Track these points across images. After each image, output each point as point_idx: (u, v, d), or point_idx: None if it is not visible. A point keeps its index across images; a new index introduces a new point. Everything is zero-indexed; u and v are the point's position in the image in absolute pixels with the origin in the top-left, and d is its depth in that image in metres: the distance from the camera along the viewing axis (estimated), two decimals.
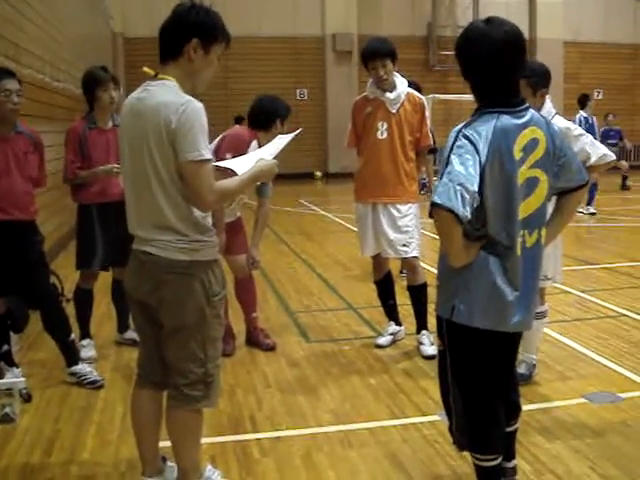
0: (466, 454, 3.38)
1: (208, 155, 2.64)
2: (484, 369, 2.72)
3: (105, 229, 4.78)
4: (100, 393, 4.33)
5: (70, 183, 4.83)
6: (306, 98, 20.28)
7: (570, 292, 6.45)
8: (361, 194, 5.01)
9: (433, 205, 2.39)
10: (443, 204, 2.36)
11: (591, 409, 3.99)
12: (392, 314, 5.23)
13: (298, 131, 3.28)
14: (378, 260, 5.13)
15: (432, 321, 5.45)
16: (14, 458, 3.51)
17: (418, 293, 5.07)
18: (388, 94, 4.81)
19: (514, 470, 3.03)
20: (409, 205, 4.90)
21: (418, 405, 4.08)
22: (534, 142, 2.57)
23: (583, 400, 4.11)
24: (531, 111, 2.61)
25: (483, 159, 2.44)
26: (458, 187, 2.37)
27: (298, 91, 20.27)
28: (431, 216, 2.45)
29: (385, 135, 4.82)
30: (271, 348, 5.05)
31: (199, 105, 2.64)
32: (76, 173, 4.69)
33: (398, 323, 5.24)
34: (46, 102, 8.01)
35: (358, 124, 4.94)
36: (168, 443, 3.02)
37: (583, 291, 6.59)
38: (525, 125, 2.55)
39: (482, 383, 2.72)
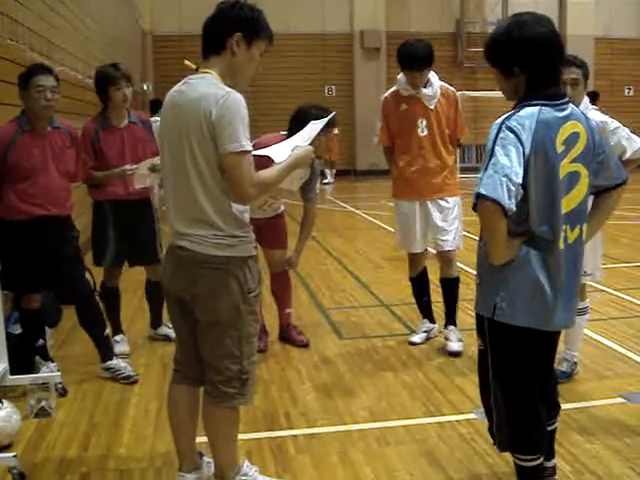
0: (505, 453, 3.36)
1: (249, 146, 2.62)
2: (526, 368, 2.67)
3: (118, 226, 4.78)
4: (134, 388, 4.35)
5: (84, 183, 4.83)
6: (334, 95, 20.23)
7: (605, 291, 6.35)
8: (406, 192, 4.93)
9: (478, 196, 2.35)
10: (489, 195, 2.32)
11: (629, 409, 3.92)
12: (427, 311, 5.18)
13: (331, 115, 3.23)
14: (417, 257, 5.08)
15: (464, 318, 5.51)
16: (51, 452, 3.53)
17: (451, 286, 5.03)
18: (425, 90, 4.75)
19: (554, 470, 2.99)
20: (455, 198, 4.92)
21: (454, 403, 4.04)
22: (575, 136, 2.52)
23: (621, 400, 4.04)
24: (571, 105, 2.57)
25: (527, 151, 2.40)
26: (504, 178, 2.33)
27: (327, 88, 20.23)
28: (474, 209, 2.42)
29: (426, 132, 4.78)
30: (304, 345, 5.03)
31: (239, 96, 2.63)
32: (89, 174, 4.64)
33: (432, 320, 5.20)
34: (79, 99, 8.07)
35: (391, 121, 4.88)
36: (205, 438, 3.02)
37: (618, 290, 6.47)
38: (566, 118, 2.51)
39: (524, 382, 2.68)
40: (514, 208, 2.36)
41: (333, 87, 20.38)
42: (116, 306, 5.06)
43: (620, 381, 4.31)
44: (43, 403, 3.94)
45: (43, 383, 4.03)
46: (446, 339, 4.95)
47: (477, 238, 2.68)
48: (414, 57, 4.65)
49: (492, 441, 2.89)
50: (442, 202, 4.88)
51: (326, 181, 17.63)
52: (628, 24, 21.47)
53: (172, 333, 5.18)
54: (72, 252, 4.39)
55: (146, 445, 3.58)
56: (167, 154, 2.78)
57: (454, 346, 4.86)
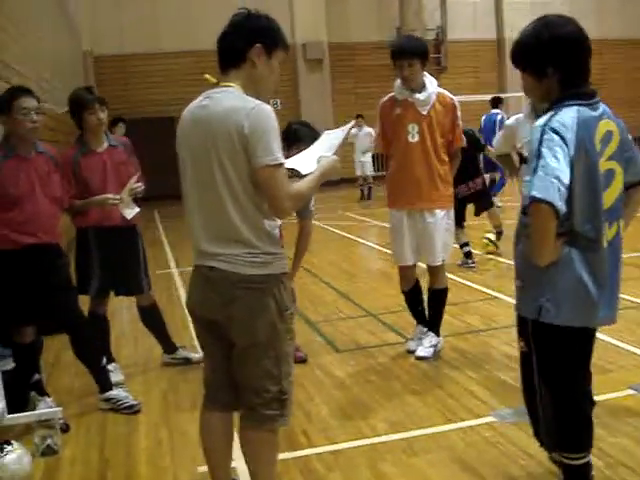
0: (534, 453, 3.35)
1: (283, 159, 2.55)
2: (572, 367, 2.67)
3: (103, 254, 4.62)
4: (139, 417, 4.19)
5: (66, 212, 4.59)
6: (280, 108, 20.18)
7: None
8: (395, 200, 4.87)
9: (532, 200, 2.33)
10: (542, 197, 2.31)
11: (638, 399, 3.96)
12: (423, 318, 5.13)
13: (351, 124, 3.17)
14: (406, 270, 4.98)
15: (457, 324, 5.51)
16: None
17: (438, 297, 5.02)
18: (418, 95, 4.65)
19: (591, 466, 2.98)
20: (445, 211, 4.80)
21: (469, 408, 4.01)
22: (609, 134, 2.54)
23: (631, 391, 4.08)
24: (602, 104, 2.58)
25: (572, 151, 2.40)
26: (555, 180, 2.32)
27: (272, 102, 20.16)
28: (525, 212, 2.40)
29: (417, 138, 4.66)
30: (303, 360, 4.93)
31: (269, 107, 2.55)
32: (70, 202, 4.43)
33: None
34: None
35: (387, 127, 4.81)
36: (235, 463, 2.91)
37: None
38: (600, 117, 2.53)
39: (570, 381, 2.67)
40: (564, 209, 2.36)
41: (278, 100, 20.34)
42: (106, 334, 4.88)
43: (625, 373, 4.37)
44: (48, 441, 3.76)
45: (45, 420, 3.84)
46: (418, 339, 4.98)
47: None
48: (400, 47, 4.64)
49: (538, 443, 2.88)
50: (430, 215, 4.75)
51: None
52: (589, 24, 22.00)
53: (192, 354, 5.10)
54: (63, 280, 4.21)
55: (168, 476, 3.44)
56: (191, 172, 2.67)
57: (420, 351, 4.87)
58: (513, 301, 6.17)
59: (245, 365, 2.70)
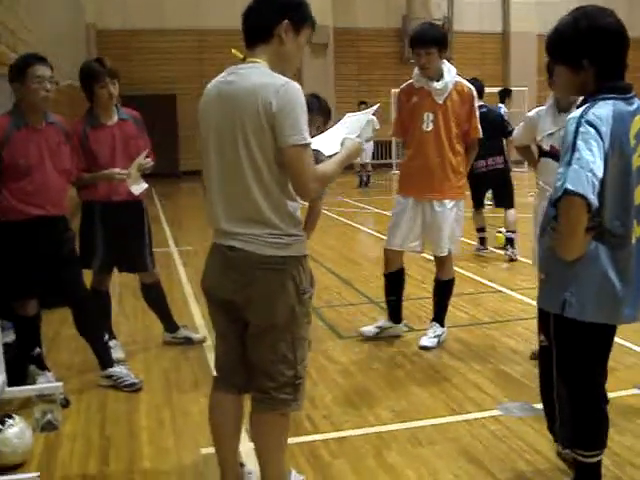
0: (541, 448, 3.33)
1: (310, 139, 2.49)
2: (591, 363, 2.64)
3: (107, 230, 4.54)
4: (140, 396, 4.14)
5: (73, 185, 4.53)
6: None
7: None
8: (405, 187, 4.84)
9: (565, 192, 2.28)
10: (577, 190, 2.26)
11: None
12: (392, 310, 5.08)
13: (376, 106, 3.11)
14: (390, 254, 4.96)
15: (460, 315, 5.48)
16: (69, 468, 3.32)
17: (444, 288, 5.00)
18: (435, 83, 4.60)
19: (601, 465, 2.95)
20: (455, 201, 4.76)
21: (475, 400, 3.98)
22: None
23: (637, 391, 4.06)
24: (637, 99, 2.53)
25: (607, 145, 2.35)
26: (589, 174, 2.27)
27: None
28: (554, 205, 2.35)
29: (431, 127, 4.62)
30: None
31: (298, 86, 2.49)
32: (78, 175, 4.36)
33: (396, 320, 5.10)
34: None
35: (404, 114, 4.76)
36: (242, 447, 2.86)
37: None
38: (635, 112, 2.47)
39: (589, 378, 2.64)
40: (597, 203, 2.31)
41: None
42: (107, 311, 4.82)
43: (630, 372, 4.34)
44: (49, 416, 3.70)
45: (46, 394, 3.79)
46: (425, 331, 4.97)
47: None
48: (418, 35, 4.59)
49: (552, 438, 2.84)
50: (439, 204, 4.71)
51: None
52: None
53: (193, 335, 5.07)
54: (69, 254, 4.15)
55: (172, 458, 3.39)
56: (213, 149, 2.60)
57: (424, 340, 4.86)
58: (518, 295, 6.20)
59: (260, 348, 2.65)
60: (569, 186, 2.27)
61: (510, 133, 7.36)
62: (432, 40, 4.53)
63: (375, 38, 20.49)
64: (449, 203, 4.73)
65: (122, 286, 6.34)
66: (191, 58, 19.23)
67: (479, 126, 4.79)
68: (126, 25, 18.38)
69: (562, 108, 4.17)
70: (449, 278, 4.99)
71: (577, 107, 2.49)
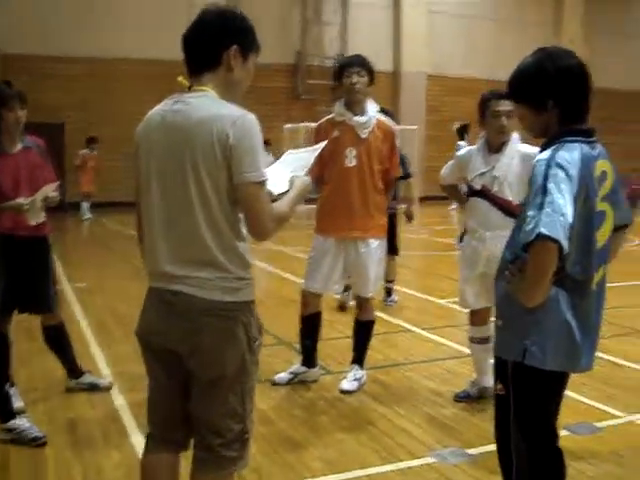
0: None
1: (266, 175, 2.32)
2: (549, 412, 2.59)
3: (10, 266, 4.15)
4: (45, 451, 3.76)
5: None
6: None
7: None
8: (325, 227, 4.68)
9: (538, 237, 2.21)
10: (551, 235, 2.20)
11: (575, 440, 3.94)
12: (306, 355, 4.93)
13: (323, 144, 2.99)
14: (309, 296, 4.80)
15: (376, 357, 5.38)
16: None
17: (365, 329, 4.90)
18: (358, 117, 4.53)
19: None
20: (379, 240, 4.67)
21: (406, 447, 3.86)
22: (604, 175, 2.48)
23: (566, 432, 4.04)
24: (598, 144, 2.52)
25: (575, 189, 2.31)
26: (562, 218, 2.22)
27: None
28: (525, 250, 2.28)
29: (354, 162, 4.51)
30: None
31: (254, 118, 2.32)
32: None
33: (310, 365, 4.94)
34: None
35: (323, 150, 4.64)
36: None
37: None
38: (597, 157, 2.46)
39: (546, 425, 2.59)
40: (568, 249, 2.26)
41: None
42: (7, 356, 4.37)
43: (561, 414, 4.34)
44: None
45: None
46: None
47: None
48: (354, 58, 4.61)
49: None
50: (364, 245, 4.60)
51: None
52: (458, 63, 22.77)
53: (99, 381, 4.69)
54: None
55: None
56: (156, 184, 2.38)
57: (344, 384, 4.73)
58: (427, 334, 6.16)
59: (207, 402, 2.42)
60: (543, 230, 2.21)
61: (408, 175, 7.15)
62: (367, 64, 4.52)
63: (268, 73, 20.50)
64: (374, 242, 4.63)
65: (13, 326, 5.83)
66: (80, 87, 18.61)
67: (399, 165, 4.76)
68: (27, 50, 17.73)
69: (493, 148, 4.20)
70: (370, 319, 4.89)
71: (541, 149, 2.45)
